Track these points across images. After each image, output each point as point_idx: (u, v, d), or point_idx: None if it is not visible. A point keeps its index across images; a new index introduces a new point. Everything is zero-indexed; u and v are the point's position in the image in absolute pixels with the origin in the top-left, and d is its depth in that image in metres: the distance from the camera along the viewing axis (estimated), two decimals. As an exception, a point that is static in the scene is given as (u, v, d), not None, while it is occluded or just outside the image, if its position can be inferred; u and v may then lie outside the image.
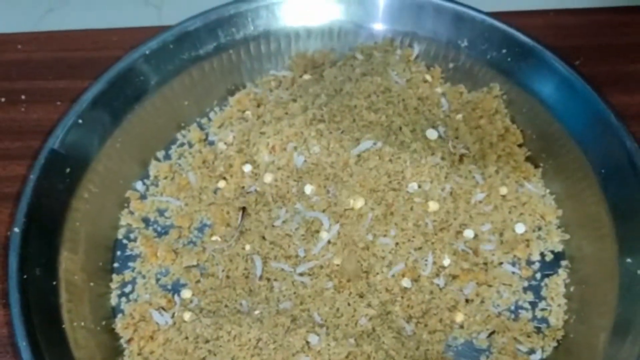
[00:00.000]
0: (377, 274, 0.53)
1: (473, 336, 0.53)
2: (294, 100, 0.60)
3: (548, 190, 0.59)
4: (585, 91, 0.57)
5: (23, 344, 0.47)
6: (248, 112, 0.63)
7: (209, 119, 0.64)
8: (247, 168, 0.59)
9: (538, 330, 0.53)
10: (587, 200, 0.56)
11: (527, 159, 0.60)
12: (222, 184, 0.60)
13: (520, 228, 0.57)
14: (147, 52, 0.60)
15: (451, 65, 0.64)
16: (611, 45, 0.63)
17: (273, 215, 0.56)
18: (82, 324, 0.51)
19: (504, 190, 0.58)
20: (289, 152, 0.57)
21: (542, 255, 0.57)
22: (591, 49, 0.61)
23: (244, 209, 0.57)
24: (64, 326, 0.50)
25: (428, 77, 0.63)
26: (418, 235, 0.54)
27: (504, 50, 0.61)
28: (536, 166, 0.60)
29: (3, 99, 0.65)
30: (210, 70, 0.63)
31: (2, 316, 0.55)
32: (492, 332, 0.53)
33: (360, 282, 0.52)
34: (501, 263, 0.56)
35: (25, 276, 0.50)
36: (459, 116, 0.61)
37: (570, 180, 0.58)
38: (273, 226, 0.55)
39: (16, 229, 0.51)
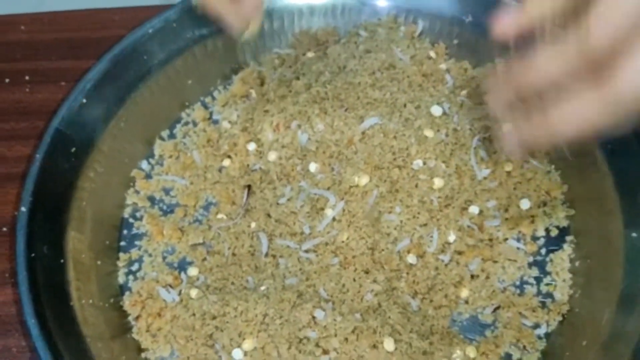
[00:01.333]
0: (383, 250, 0.53)
1: (478, 311, 0.54)
2: (297, 78, 0.60)
3: (553, 166, 0.59)
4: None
5: (32, 322, 0.47)
6: (252, 91, 0.63)
7: (213, 98, 0.64)
8: (252, 146, 0.59)
9: (543, 304, 0.54)
10: (593, 175, 0.56)
11: (532, 134, 0.60)
12: (226, 162, 0.60)
13: (525, 204, 0.57)
14: (151, 30, 0.60)
15: (456, 41, 0.63)
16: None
17: (278, 193, 0.56)
18: (91, 301, 0.52)
19: (508, 167, 0.58)
20: (293, 130, 0.57)
21: (547, 230, 0.57)
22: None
23: (249, 187, 0.57)
24: (72, 304, 0.50)
25: (432, 54, 0.63)
26: (423, 212, 0.54)
27: (509, 26, 0.60)
28: (541, 142, 0.60)
29: (7, 80, 0.65)
30: (213, 49, 0.63)
31: (10, 295, 0.55)
32: (497, 307, 0.53)
33: (366, 258, 0.53)
34: (506, 239, 0.56)
35: (32, 254, 0.50)
36: (464, 92, 0.61)
37: (575, 155, 0.57)
38: (278, 204, 0.56)
39: (23, 208, 0.51)
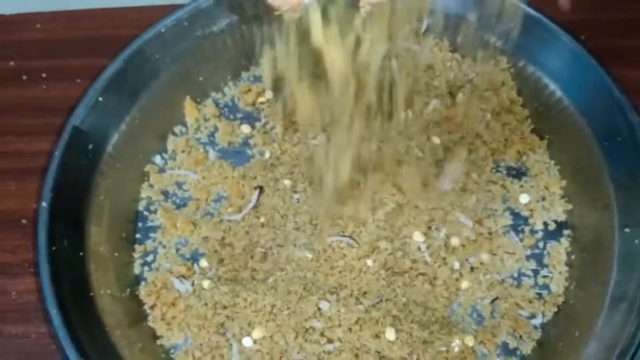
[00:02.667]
0: (386, 249, 0.55)
1: (477, 302, 0.56)
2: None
3: (552, 162, 0.61)
4: (591, 65, 0.58)
5: (54, 312, 0.50)
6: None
7: (224, 94, 0.66)
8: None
9: (539, 296, 0.56)
10: (590, 171, 0.57)
11: (533, 131, 0.62)
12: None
13: (524, 198, 0.59)
14: (162, 30, 0.61)
15: (459, 39, 0.65)
16: (616, 20, 0.64)
17: (287, 199, 0.58)
18: (109, 291, 0.55)
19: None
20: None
21: (545, 224, 0.59)
22: (597, 24, 0.62)
23: (260, 187, 0.59)
24: (91, 294, 0.53)
25: (436, 50, 0.65)
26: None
27: (512, 24, 0.62)
28: (541, 138, 0.62)
29: (24, 77, 0.67)
30: (223, 47, 0.65)
31: (30, 284, 0.58)
32: (496, 298, 0.56)
33: (371, 254, 0.55)
34: (505, 232, 0.58)
35: (53, 248, 0.53)
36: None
37: (574, 151, 0.59)
38: (286, 202, 0.58)
39: (44, 203, 0.54)
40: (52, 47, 0.69)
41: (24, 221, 0.60)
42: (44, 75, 0.67)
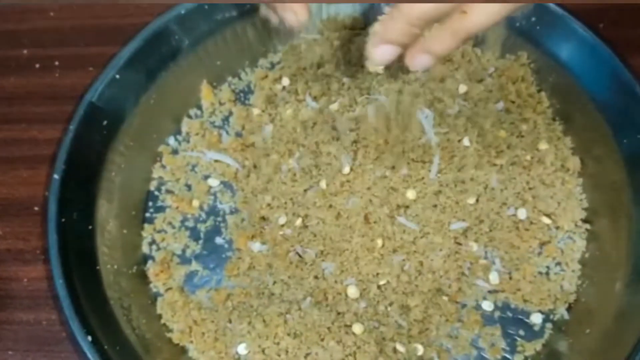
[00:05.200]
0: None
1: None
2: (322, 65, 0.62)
3: (571, 157, 0.59)
4: (614, 63, 0.57)
5: (59, 282, 0.50)
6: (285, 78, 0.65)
7: (240, 79, 0.66)
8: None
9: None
10: (609, 168, 0.57)
11: (551, 125, 0.61)
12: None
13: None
14: (183, 12, 0.62)
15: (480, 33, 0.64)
16: (636, 8, 0.62)
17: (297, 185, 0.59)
18: (115, 267, 0.55)
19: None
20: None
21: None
22: (615, 11, 0.61)
23: None
24: (98, 267, 0.53)
25: (456, 44, 0.64)
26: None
27: (533, 19, 0.61)
28: (561, 133, 0.61)
29: (37, 65, 0.67)
30: (242, 32, 0.65)
31: (42, 271, 0.57)
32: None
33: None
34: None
35: (63, 219, 0.53)
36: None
37: (592, 150, 0.58)
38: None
39: (56, 176, 0.54)
40: (65, 35, 0.68)
41: (35, 208, 0.60)
42: (56, 63, 0.66)
